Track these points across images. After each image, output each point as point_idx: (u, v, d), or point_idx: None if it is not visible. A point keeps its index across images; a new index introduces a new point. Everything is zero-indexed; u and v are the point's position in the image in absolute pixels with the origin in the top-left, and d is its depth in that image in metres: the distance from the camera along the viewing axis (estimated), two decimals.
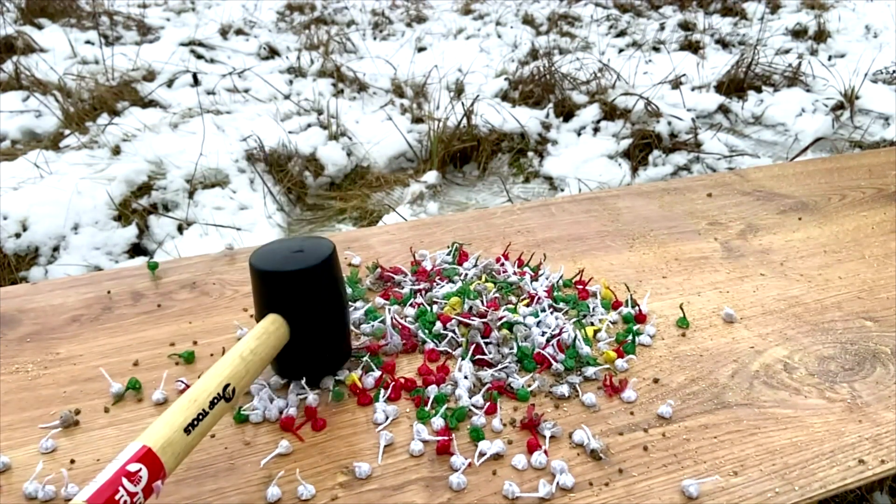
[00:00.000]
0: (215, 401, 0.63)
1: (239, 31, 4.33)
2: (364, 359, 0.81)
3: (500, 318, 0.85)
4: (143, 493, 0.55)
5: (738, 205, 1.23)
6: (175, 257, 1.67)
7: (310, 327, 0.74)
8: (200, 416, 0.61)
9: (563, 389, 0.77)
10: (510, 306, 0.89)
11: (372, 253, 1.05)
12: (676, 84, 3.34)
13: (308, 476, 0.66)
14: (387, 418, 0.73)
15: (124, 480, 0.54)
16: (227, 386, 0.64)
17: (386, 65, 3.66)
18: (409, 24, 4.79)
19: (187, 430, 0.60)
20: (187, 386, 0.78)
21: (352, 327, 0.87)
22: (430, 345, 0.83)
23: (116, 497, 0.53)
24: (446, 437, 0.70)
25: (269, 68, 3.60)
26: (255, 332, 0.71)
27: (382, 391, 0.76)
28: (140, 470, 0.55)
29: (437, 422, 0.72)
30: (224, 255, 1.05)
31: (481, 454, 0.68)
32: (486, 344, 0.83)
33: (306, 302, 0.73)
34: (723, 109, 3.24)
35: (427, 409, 0.74)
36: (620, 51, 4.15)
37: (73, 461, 0.68)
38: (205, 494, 0.65)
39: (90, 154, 2.47)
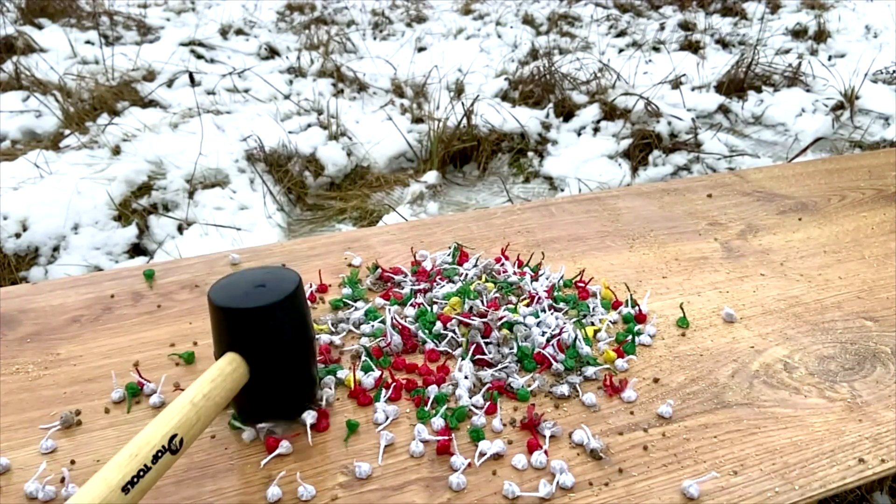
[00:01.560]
0: (159, 454, 0.57)
1: (239, 31, 4.33)
2: (364, 358, 0.81)
3: (501, 318, 0.85)
4: None
5: (738, 205, 1.23)
6: (175, 257, 1.67)
7: (270, 368, 0.68)
8: (141, 473, 0.55)
9: (563, 389, 0.77)
10: (510, 306, 0.89)
11: (372, 253, 1.05)
12: (676, 84, 3.34)
13: (308, 476, 0.66)
14: (387, 418, 0.73)
15: None
16: (173, 437, 0.58)
17: (386, 65, 3.66)
18: (409, 24, 4.79)
19: (125, 489, 0.54)
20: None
21: (353, 328, 0.87)
22: (430, 345, 0.83)
23: None
24: (446, 437, 0.70)
25: (269, 68, 3.60)
26: (210, 374, 0.65)
27: (383, 391, 0.76)
28: None
29: (437, 422, 0.72)
30: (223, 256, 1.05)
31: (481, 454, 0.68)
32: (486, 344, 0.83)
33: (266, 341, 0.67)
34: (723, 109, 3.24)
35: (427, 409, 0.74)
36: (620, 51, 4.15)
37: (73, 462, 0.68)
38: (205, 494, 0.65)
39: (90, 154, 2.48)
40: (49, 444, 0.70)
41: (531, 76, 3.39)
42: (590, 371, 0.80)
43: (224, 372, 0.65)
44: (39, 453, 0.69)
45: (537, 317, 0.87)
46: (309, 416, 0.71)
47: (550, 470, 0.67)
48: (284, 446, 0.69)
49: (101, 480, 0.54)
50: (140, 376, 0.79)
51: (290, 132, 2.73)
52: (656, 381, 0.80)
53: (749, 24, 4.75)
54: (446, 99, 3.18)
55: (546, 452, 0.69)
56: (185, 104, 3.02)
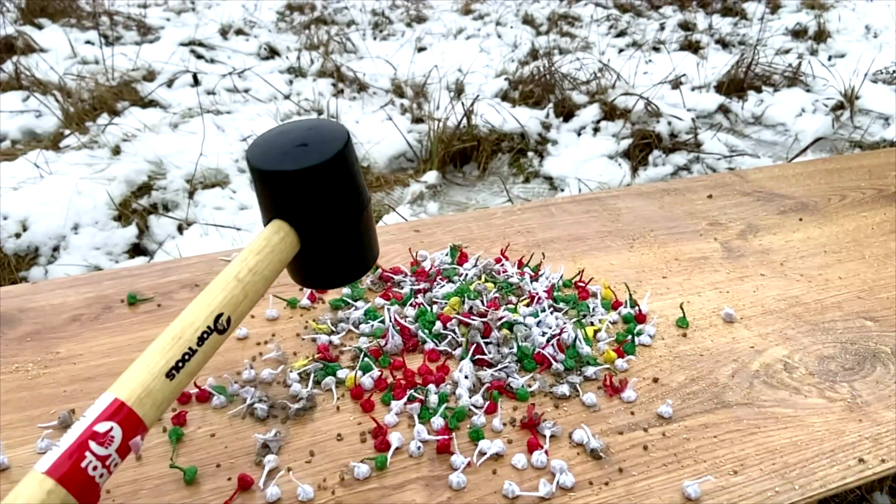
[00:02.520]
0: (205, 335, 0.52)
1: (239, 31, 4.32)
2: (365, 359, 0.81)
3: (500, 318, 0.85)
4: (118, 454, 0.47)
5: (739, 205, 1.23)
6: (175, 257, 1.67)
7: (323, 234, 0.61)
8: (187, 357, 0.51)
9: (564, 389, 0.77)
10: (510, 306, 0.89)
11: None
12: (676, 84, 3.34)
13: (308, 476, 0.66)
14: (396, 420, 0.73)
15: (92, 444, 0.46)
16: (219, 316, 0.53)
17: (386, 65, 3.66)
18: (409, 24, 4.79)
19: (170, 375, 0.50)
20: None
21: (352, 328, 0.87)
22: (430, 345, 0.83)
23: (83, 464, 0.45)
24: (446, 437, 0.70)
25: (269, 68, 3.60)
26: (255, 244, 0.58)
27: (391, 392, 0.76)
28: (111, 429, 0.47)
29: (437, 421, 0.72)
30: (225, 255, 1.05)
31: (481, 453, 0.68)
32: (486, 344, 0.83)
33: (316, 206, 0.60)
34: (723, 109, 3.24)
35: (428, 409, 0.74)
36: (620, 51, 4.14)
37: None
38: (205, 493, 0.65)
39: (90, 154, 2.47)
40: (48, 443, 0.70)
41: (531, 76, 3.39)
42: (590, 371, 0.80)
43: (271, 242, 0.59)
44: (37, 452, 0.69)
45: (537, 317, 0.87)
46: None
47: (550, 469, 0.67)
48: (271, 460, 0.67)
49: (142, 367, 0.50)
50: None
51: None
52: (656, 380, 0.80)
53: (749, 24, 4.75)
54: (446, 99, 3.17)
55: (546, 452, 0.69)
56: (185, 104, 3.01)
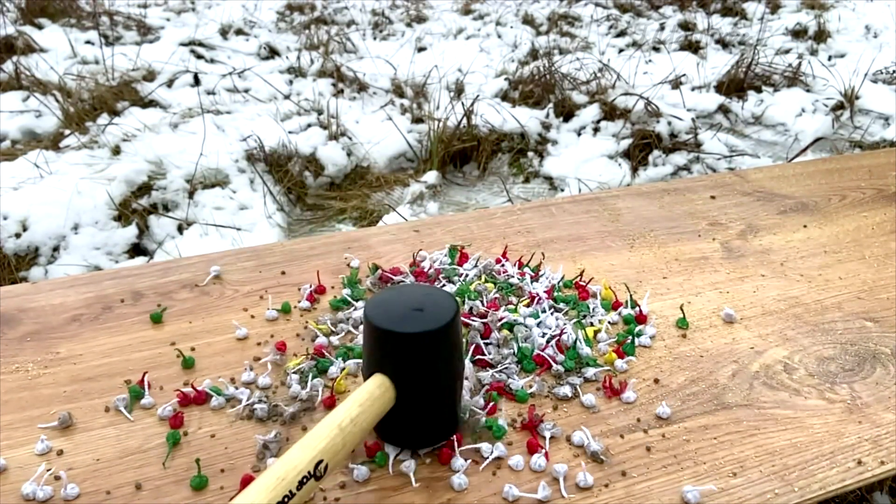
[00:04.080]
0: (304, 480, 0.55)
1: (239, 31, 4.32)
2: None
3: (501, 319, 0.85)
4: None
5: (739, 205, 1.23)
6: (175, 257, 1.67)
7: (419, 395, 0.67)
8: (286, 499, 0.54)
9: (564, 390, 0.77)
10: (510, 307, 0.89)
11: (372, 253, 1.05)
12: (676, 84, 3.34)
13: None
14: None
15: None
16: (319, 462, 0.57)
17: (386, 65, 3.66)
18: (409, 24, 4.79)
19: None
20: (184, 394, 0.78)
21: (352, 328, 0.87)
22: None
23: None
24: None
25: (269, 68, 3.60)
26: (359, 396, 0.63)
27: None
28: None
29: None
30: (223, 256, 1.05)
31: (481, 455, 0.68)
32: (486, 345, 0.83)
33: (420, 367, 0.66)
34: (723, 109, 3.24)
35: None
36: (620, 51, 4.14)
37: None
38: (205, 494, 0.65)
39: (90, 154, 2.47)
40: (48, 443, 0.70)
41: (531, 76, 3.39)
42: (590, 372, 0.80)
43: (372, 395, 0.63)
44: (38, 453, 0.69)
45: (537, 317, 0.87)
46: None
47: (550, 471, 0.67)
48: (272, 461, 0.67)
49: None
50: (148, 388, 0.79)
51: (290, 132, 2.73)
52: (656, 381, 0.80)
53: (749, 24, 4.75)
54: (446, 99, 3.17)
55: (546, 454, 0.69)
56: (185, 104, 3.01)
